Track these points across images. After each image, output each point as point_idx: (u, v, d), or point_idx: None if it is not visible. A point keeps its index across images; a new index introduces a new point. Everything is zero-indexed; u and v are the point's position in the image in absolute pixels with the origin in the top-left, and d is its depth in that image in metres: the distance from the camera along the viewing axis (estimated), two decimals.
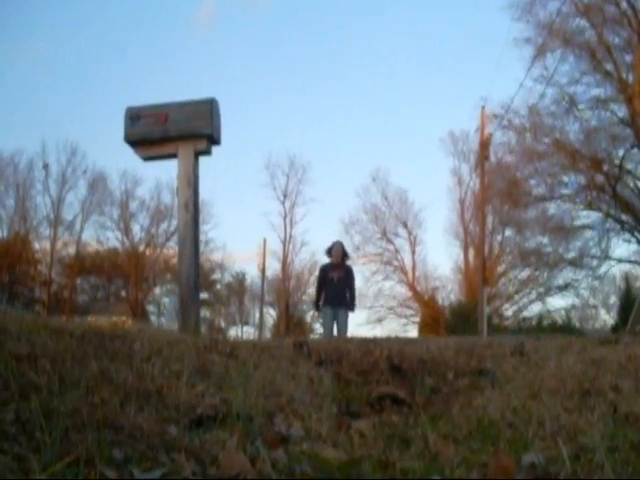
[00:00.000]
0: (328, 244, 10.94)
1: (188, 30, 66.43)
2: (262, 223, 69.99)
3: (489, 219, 34.15)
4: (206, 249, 43.77)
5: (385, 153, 66.34)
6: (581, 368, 3.72)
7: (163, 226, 46.61)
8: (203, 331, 11.52)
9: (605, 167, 26.47)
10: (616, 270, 33.73)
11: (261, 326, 43.91)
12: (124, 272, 46.21)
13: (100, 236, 46.13)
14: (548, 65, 25.68)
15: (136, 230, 46.85)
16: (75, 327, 3.64)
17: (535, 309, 38.25)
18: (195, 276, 6.85)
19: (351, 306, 10.58)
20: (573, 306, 38.23)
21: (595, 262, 30.18)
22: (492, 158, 27.44)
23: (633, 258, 28.71)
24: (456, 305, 35.61)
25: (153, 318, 44.59)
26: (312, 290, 45.96)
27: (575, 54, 25.82)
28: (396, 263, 42.75)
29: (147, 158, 7.27)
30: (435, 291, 42.69)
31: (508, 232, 37.25)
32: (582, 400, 2.92)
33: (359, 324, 37.44)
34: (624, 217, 27.19)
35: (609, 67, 25.50)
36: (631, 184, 27.12)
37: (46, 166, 44.00)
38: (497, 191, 30.13)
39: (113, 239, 46.55)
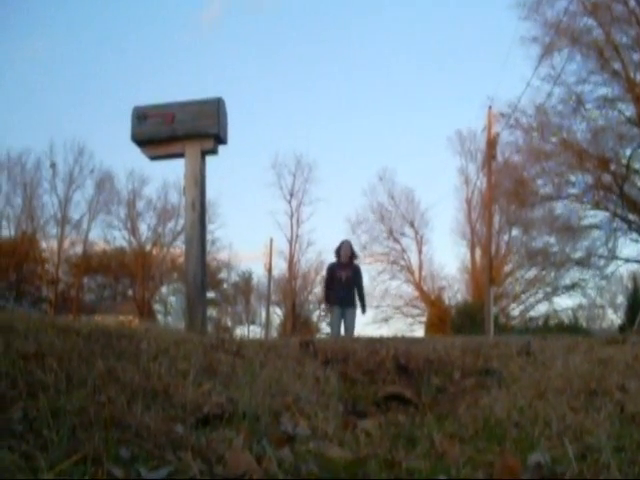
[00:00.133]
0: (336, 244, 10.93)
1: (194, 30, 66.52)
2: (269, 222, 69.82)
3: (496, 219, 34.11)
4: (213, 248, 43.83)
5: (392, 152, 66.08)
6: (588, 368, 3.72)
7: (170, 225, 46.74)
8: (210, 330, 11.54)
9: (612, 166, 26.39)
10: (623, 270, 33.59)
11: (267, 325, 43.96)
12: (131, 271, 46.29)
13: (107, 235, 46.29)
14: (555, 64, 25.63)
15: (143, 229, 46.99)
16: (82, 326, 3.65)
17: (542, 309, 38.23)
18: (202, 275, 6.86)
19: (362, 307, 10.59)
20: (580, 306, 38.17)
21: (602, 262, 30.12)
22: (499, 157, 27.40)
23: None
24: (463, 305, 35.55)
25: (160, 317, 44.68)
26: (318, 290, 46.14)
27: (582, 53, 25.76)
28: (403, 263, 42.77)
29: (154, 157, 7.29)
30: (442, 291, 42.68)
31: (515, 232, 37.25)
32: (589, 400, 2.91)
33: (365, 324, 37.48)
34: (631, 217, 27.10)
35: (617, 66, 25.41)
36: (638, 183, 27.01)
37: (53, 165, 44.13)
38: (504, 190, 30.06)
39: (120, 238, 46.69)
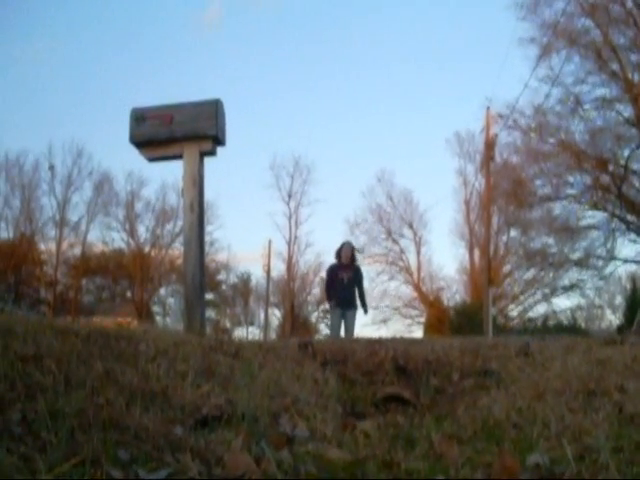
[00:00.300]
0: (335, 245, 10.95)
1: (193, 31, 66.59)
2: (267, 224, 69.86)
3: (494, 219, 34.10)
4: (211, 250, 43.79)
5: (390, 153, 66.31)
6: (586, 369, 3.72)
7: (168, 227, 46.67)
8: (208, 332, 11.53)
9: (610, 167, 26.40)
10: (622, 270, 33.59)
11: (266, 327, 43.93)
12: (129, 273, 46.25)
13: (105, 237, 46.21)
14: (553, 65, 25.61)
15: (141, 231, 46.93)
16: (80, 328, 3.65)
17: (540, 309, 38.21)
18: (200, 277, 6.86)
19: (364, 307, 10.61)
20: (579, 306, 38.16)
21: (601, 262, 30.11)
22: (497, 158, 27.45)
23: (639, 258, 28.63)
24: (461, 306, 35.56)
25: (158, 319, 44.68)
26: (317, 291, 46.18)
27: (580, 54, 25.75)
28: (401, 264, 42.74)
29: (152, 159, 7.29)
30: (440, 292, 42.67)
31: (513, 232, 37.19)
32: (587, 401, 2.91)
33: (364, 325, 37.42)
34: (630, 217, 27.10)
35: (615, 67, 25.42)
36: (637, 184, 27.02)
37: (52, 167, 44.07)
38: (502, 191, 30.06)
39: (118, 240, 46.62)
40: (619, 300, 40.65)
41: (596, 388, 3.10)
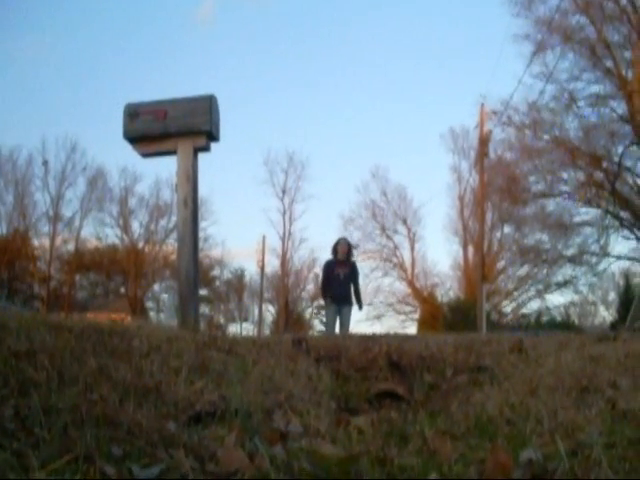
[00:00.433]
0: (329, 241, 10.96)
1: (187, 27, 66.27)
2: (261, 219, 69.91)
3: (488, 216, 34.16)
4: (205, 245, 43.76)
5: (385, 149, 66.26)
6: (579, 365, 3.73)
7: (162, 222, 46.58)
8: (202, 327, 11.52)
9: (604, 164, 26.48)
10: (615, 267, 33.74)
11: (260, 323, 43.96)
12: (123, 269, 46.17)
13: (99, 233, 46.08)
14: (548, 62, 25.69)
15: (135, 227, 46.82)
16: (74, 324, 3.64)
17: (534, 306, 38.35)
18: (194, 272, 6.85)
19: (359, 304, 10.63)
20: (572, 303, 38.35)
21: (594, 259, 30.26)
22: (492, 155, 27.43)
23: (632, 255, 28.74)
24: (455, 302, 35.63)
25: (152, 314, 44.60)
26: (311, 287, 46.18)
27: (575, 51, 25.82)
28: (395, 260, 42.79)
29: (146, 155, 7.27)
30: (434, 288, 42.76)
31: (507, 229, 37.31)
32: (580, 397, 2.92)
33: (358, 320, 37.62)
34: (623, 214, 27.20)
35: (609, 64, 25.48)
36: (630, 181, 27.13)
37: (46, 163, 43.88)
38: (496, 188, 30.13)
39: (112, 236, 46.51)
40: (612, 296, 40.86)
41: (589, 384, 3.11)
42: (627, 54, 25.58)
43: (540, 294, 37.77)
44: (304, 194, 46.99)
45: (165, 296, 45.54)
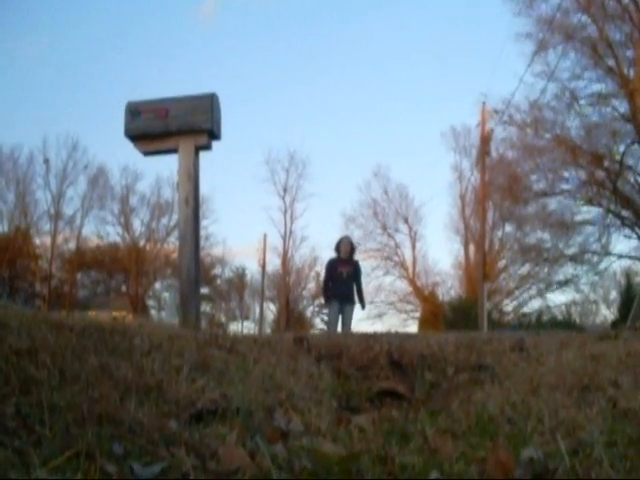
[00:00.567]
0: (333, 240, 10.91)
1: (188, 25, 66.32)
2: (262, 218, 69.68)
3: (490, 214, 34.15)
4: (206, 244, 43.76)
5: (386, 148, 66.12)
6: (580, 364, 3.73)
7: (163, 221, 46.60)
8: (203, 326, 11.52)
9: (606, 163, 26.47)
10: (616, 266, 33.65)
11: (261, 321, 43.96)
12: (124, 267, 46.18)
13: (100, 231, 46.11)
14: (549, 60, 25.66)
15: (136, 225, 46.84)
16: (75, 322, 3.64)
17: (535, 304, 38.32)
18: (195, 271, 6.85)
19: (362, 303, 10.61)
20: (573, 302, 38.30)
21: (595, 258, 30.23)
22: (493, 153, 27.43)
23: (633, 254, 28.73)
24: (456, 300, 35.64)
25: (153, 313, 44.59)
26: (312, 285, 46.17)
27: (576, 49, 25.80)
28: (396, 258, 42.78)
29: (147, 153, 7.27)
30: (435, 286, 42.76)
31: (508, 228, 37.30)
32: (581, 395, 2.92)
33: (360, 319, 37.64)
34: (624, 213, 27.19)
35: (610, 62, 25.45)
36: (632, 180, 27.11)
37: (47, 161, 43.92)
38: (498, 186, 30.13)
39: (113, 234, 46.53)
40: (613, 295, 40.81)
41: (590, 383, 3.11)
42: (629, 53, 25.57)
43: (541, 293, 37.78)
44: (305, 193, 46.99)
45: (166, 294, 45.50)
